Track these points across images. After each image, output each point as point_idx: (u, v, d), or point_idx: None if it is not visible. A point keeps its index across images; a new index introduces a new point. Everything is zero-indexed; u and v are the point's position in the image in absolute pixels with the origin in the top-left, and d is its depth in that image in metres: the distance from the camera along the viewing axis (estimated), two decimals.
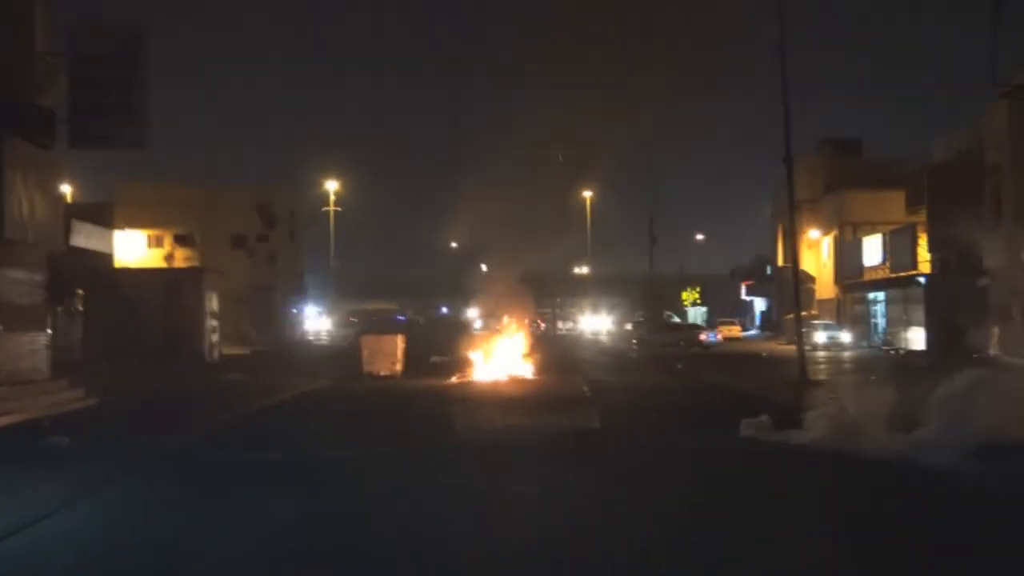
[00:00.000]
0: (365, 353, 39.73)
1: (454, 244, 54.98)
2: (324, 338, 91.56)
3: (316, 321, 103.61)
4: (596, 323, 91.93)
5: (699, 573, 10.43)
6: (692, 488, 14.99)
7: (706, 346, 64.82)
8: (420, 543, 11.60)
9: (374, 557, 11.04)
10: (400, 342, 40.54)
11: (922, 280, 55.36)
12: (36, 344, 26.49)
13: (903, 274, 59.35)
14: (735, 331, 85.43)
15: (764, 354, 55.80)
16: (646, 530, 12.16)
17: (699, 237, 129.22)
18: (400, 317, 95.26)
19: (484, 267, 47.66)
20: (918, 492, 14.49)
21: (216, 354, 47.44)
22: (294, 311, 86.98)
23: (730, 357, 53.06)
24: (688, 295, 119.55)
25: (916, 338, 55.21)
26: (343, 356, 47.89)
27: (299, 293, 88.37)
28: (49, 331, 27.88)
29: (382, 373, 38.75)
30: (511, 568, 10.59)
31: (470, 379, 37.07)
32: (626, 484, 15.53)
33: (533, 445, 19.58)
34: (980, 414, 16.18)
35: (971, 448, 15.28)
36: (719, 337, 72.04)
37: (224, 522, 12.91)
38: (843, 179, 74.73)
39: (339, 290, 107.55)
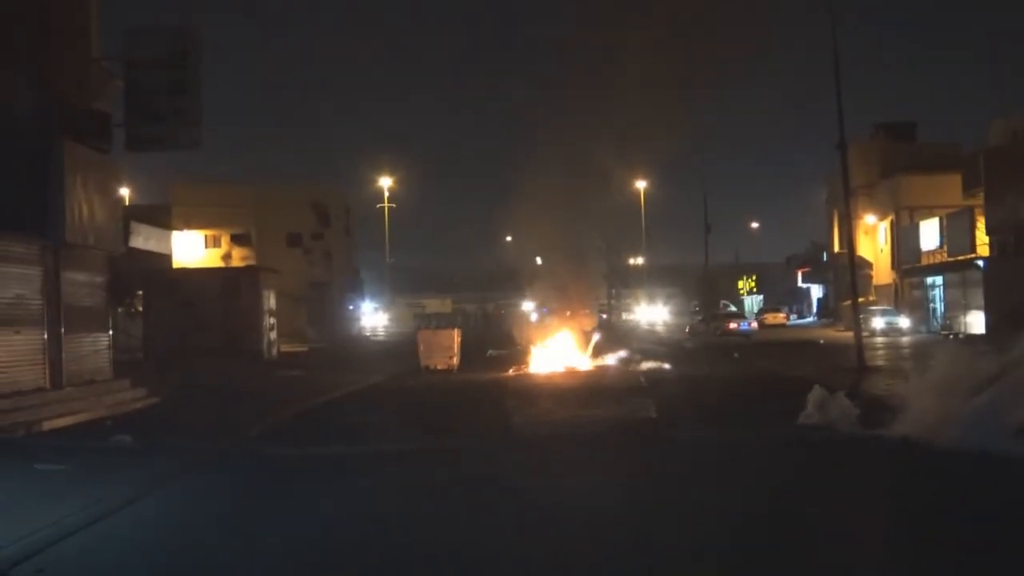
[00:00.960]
0: (421, 347, 39.96)
1: (509, 238, 55.13)
2: (381, 334, 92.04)
3: (373, 317, 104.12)
4: (652, 313, 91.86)
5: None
6: (742, 482, 14.96)
7: (743, 334, 64.47)
8: (474, 536, 11.67)
9: (426, 549, 11.06)
10: (456, 336, 40.75)
11: (980, 263, 54.78)
12: (98, 345, 26.87)
13: (961, 258, 58.74)
14: (779, 318, 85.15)
15: (821, 341, 55.50)
16: (699, 527, 12.06)
17: (754, 225, 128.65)
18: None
19: (539, 260, 47.78)
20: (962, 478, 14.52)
21: (275, 352, 47.86)
22: (350, 307, 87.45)
23: (787, 345, 52.77)
24: (744, 283, 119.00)
25: (975, 322, 54.66)
26: (400, 351, 48.16)
27: (355, 289, 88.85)
28: (111, 332, 28.26)
29: (439, 367, 38.96)
30: (556, 564, 10.51)
31: (527, 371, 37.19)
32: (678, 477, 15.53)
33: (589, 437, 19.62)
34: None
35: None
36: (751, 325, 71.57)
37: (287, 510, 13.17)
38: (898, 164, 74.03)
39: (395, 286, 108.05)
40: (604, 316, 52.23)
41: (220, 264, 70.94)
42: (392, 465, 17.04)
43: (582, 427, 20.78)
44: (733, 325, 67.24)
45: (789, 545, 10.79)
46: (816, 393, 20.48)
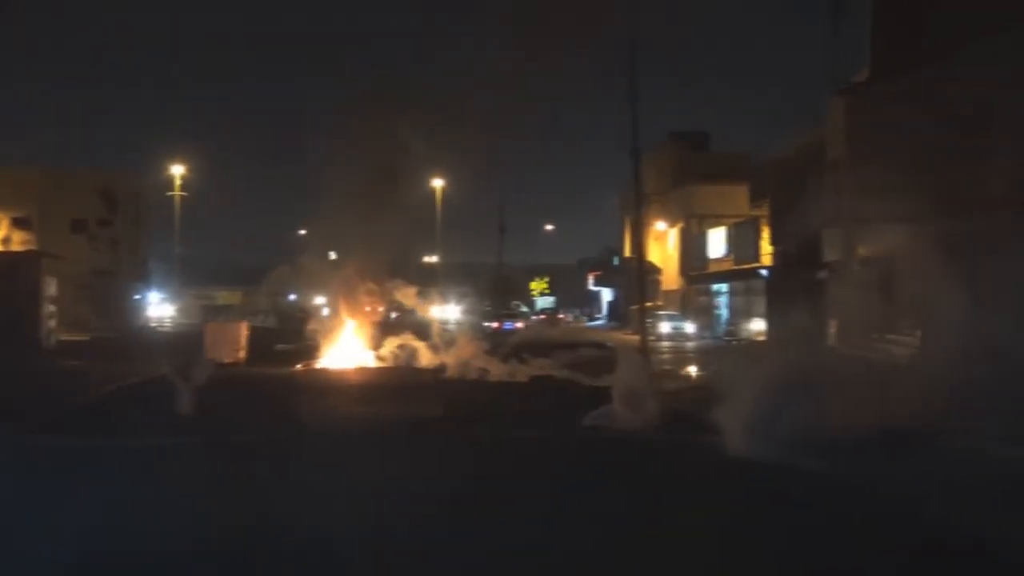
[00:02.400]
0: (208, 340, 39.10)
1: (303, 231, 54.39)
2: (168, 325, 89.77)
3: (160, 307, 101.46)
4: (445, 312, 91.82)
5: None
6: (525, 474, 15.27)
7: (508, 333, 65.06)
8: (248, 534, 11.42)
9: (189, 548, 10.80)
10: (244, 329, 40.05)
11: (764, 272, 56.52)
12: None
13: (746, 266, 60.53)
14: (557, 319, 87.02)
15: (610, 343, 56.37)
16: (481, 518, 12.23)
17: (549, 228, 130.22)
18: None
19: (333, 254, 47.23)
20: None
21: (54, 340, 46.11)
22: (137, 297, 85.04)
23: (576, 346, 53.26)
24: (537, 285, 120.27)
25: (758, 329, 56.38)
26: (187, 343, 46.95)
27: (143, 279, 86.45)
28: None
29: (226, 360, 38.17)
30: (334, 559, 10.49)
31: (316, 367, 36.75)
32: (462, 471, 15.63)
33: (375, 433, 19.48)
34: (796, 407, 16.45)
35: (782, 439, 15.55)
36: (517, 326, 72.17)
37: (36, 507, 12.58)
38: (690, 173, 75.94)
39: (185, 277, 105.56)
40: (395, 315, 51.89)
41: None
42: (165, 459, 16.54)
43: (368, 423, 20.58)
44: (496, 325, 67.67)
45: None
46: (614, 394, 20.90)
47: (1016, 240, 16.83)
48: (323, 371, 35.20)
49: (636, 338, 38.54)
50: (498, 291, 74.62)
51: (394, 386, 28.75)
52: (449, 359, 35.37)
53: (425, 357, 37.11)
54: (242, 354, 38.89)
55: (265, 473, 15.23)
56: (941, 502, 12.46)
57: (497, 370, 32.92)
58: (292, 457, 16.87)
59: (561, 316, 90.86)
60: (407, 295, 41.65)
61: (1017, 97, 18.19)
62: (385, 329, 40.94)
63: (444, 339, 37.72)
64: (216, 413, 22.31)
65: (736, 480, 14.54)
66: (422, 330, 39.83)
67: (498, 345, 37.11)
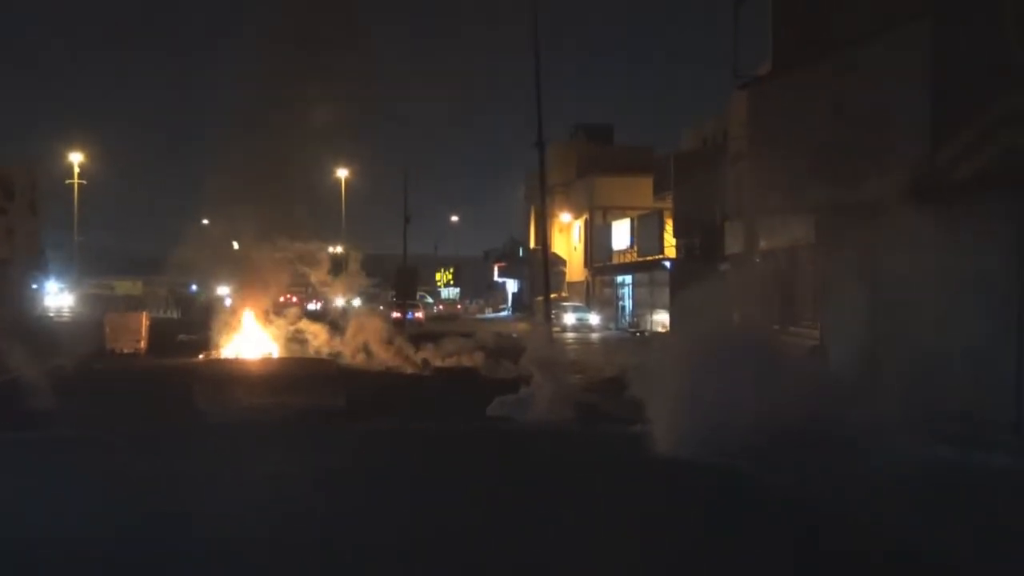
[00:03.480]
0: (108, 330, 38.61)
1: (206, 220, 53.58)
2: (66, 315, 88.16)
3: (58, 297, 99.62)
4: (345, 303, 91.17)
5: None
6: (426, 465, 15.45)
7: (410, 323, 65.06)
8: (146, 528, 11.30)
9: (90, 543, 10.62)
10: (144, 319, 39.59)
11: (667, 264, 56.92)
12: None
13: (650, 258, 60.91)
14: (454, 309, 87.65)
15: (514, 335, 56.49)
16: (381, 510, 12.30)
17: (454, 218, 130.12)
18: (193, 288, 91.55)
19: (236, 244, 46.65)
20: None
21: None
22: (33, 287, 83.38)
23: (479, 337, 53.33)
24: (442, 275, 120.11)
25: (661, 320, 56.80)
26: (86, 333, 46.11)
27: (39, 268, 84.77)
28: None
29: (126, 351, 37.67)
30: (231, 552, 10.39)
31: (219, 357, 36.31)
32: (366, 463, 15.68)
33: (277, 424, 19.31)
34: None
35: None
36: (416, 315, 71.94)
37: None
38: (595, 164, 76.21)
39: (84, 266, 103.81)
40: (317, 303, 51.54)
41: None
42: (61, 452, 16.29)
43: (271, 415, 20.38)
44: (397, 315, 67.46)
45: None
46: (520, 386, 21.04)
47: (913, 233, 17.10)
48: (225, 361, 34.78)
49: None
50: (403, 281, 74.14)
51: (297, 376, 28.50)
52: (346, 347, 35.48)
53: (322, 342, 37.10)
54: (143, 344, 38.37)
55: (162, 466, 15.02)
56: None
57: (385, 355, 33.56)
58: (189, 450, 16.65)
59: (459, 307, 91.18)
60: (320, 275, 41.42)
61: (912, 92, 18.48)
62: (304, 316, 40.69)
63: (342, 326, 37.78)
64: (110, 405, 22.04)
65: (662, 479, 14.44)
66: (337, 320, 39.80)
67: (396, 334, 37.20)
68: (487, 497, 13.03)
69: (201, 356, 36.45)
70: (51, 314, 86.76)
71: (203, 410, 20.93)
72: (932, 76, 17.90)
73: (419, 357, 33.65)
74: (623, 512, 12.10)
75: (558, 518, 11.78)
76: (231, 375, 28.96)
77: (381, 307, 65.61)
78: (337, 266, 44.44)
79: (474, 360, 32.89)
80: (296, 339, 37.87)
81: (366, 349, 35.26)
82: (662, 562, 10.17)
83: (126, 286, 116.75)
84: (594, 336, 57.56)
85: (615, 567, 9.98)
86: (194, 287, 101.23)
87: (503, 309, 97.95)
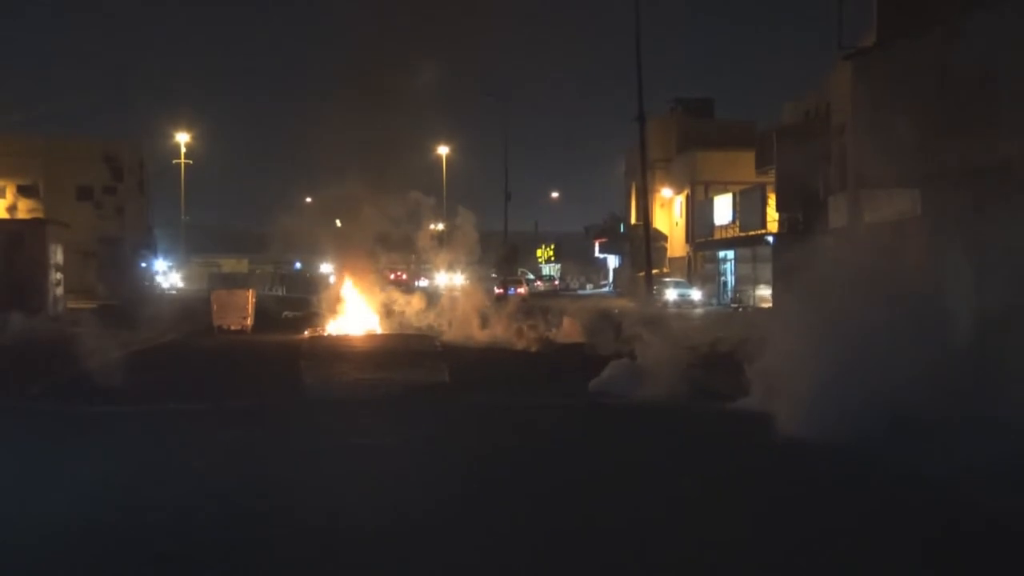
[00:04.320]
0: (215, 307, 39.24)
1: (309, 199, 54.21)
2: (174, 292, 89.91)
3: (166, 275, 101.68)
4: (450, 280, 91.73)
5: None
6: (531, 439, 15.42)
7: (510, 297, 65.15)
8: (263, 498, 11.49)
9: (211, 514, 10.81)
10: (250, 296, 40.13)
11: (770, 239, 56.43)
12: None
13: (752, 233, 60.44)
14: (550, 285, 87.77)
15: (616, 311, 56.39)
16: (495, 479, 12.41)
17: (555, 195, 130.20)
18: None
19: (339, 222, 47.10)
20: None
21: (61, 308, 46.18)
22: (143, 265, 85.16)
23: (581, 313, 53.35)
24: (543, 252, 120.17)
25: (764, 296, 56.34)
26: (194, 311, 47.02)
27: (148, 246, 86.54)
28: None
29: (232, 328, 38.31)
30: (341, 523, 10.52)
31: (323, 334, 36.75)
32: (470, 435, 15.83)
33: (382, 399, 19.57)
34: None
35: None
36: (519, 291, 71.95)
37: (55, 471, 12.71)
38: (696, 139, 75.78)
39: (191, 244, 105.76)
40: (404, 278, 51.98)
41: (5, 216, 68.09)
42: (177, 425, 16.64)
43: (376, 389, 20.64)
44: (500, 290, 67.61)
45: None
46: (612, 363, 20.98)
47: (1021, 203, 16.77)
48: (330, 338, 35.21)
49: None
50: (504, 258, 74.52)
51: (400, 352, 28.80)
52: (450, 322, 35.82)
53: (426, 318, 37.45)
54: (249, 321, 38.99)
55: (266, 438, 15.35)
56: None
57: (488, 331, 34.33)
58: (301, 423, 16.98)
59: (556, 283, 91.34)
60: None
61: (1020, 59, 18.12)
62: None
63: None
64: (221, 380, 22.50)
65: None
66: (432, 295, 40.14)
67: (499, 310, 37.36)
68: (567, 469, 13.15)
69: (306, 333, 36.91)
70: (160, 291, 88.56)
71: (308, 385, 21.27)
72: None
73: (520, 333, 33.74)
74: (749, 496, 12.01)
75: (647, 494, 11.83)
76: (335, 351, 29.33)
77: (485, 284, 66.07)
78: (440, 240, 44.61)
79: (576, 335, 32.90)
80: (401, 315, 38.18)
81: (469, 324, 35.50)
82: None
83: (232, 264, 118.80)
84: (696, 312, 57.22)
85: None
86: (298, 265, 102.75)
87: (604, 285, 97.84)
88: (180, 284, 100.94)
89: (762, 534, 10.12)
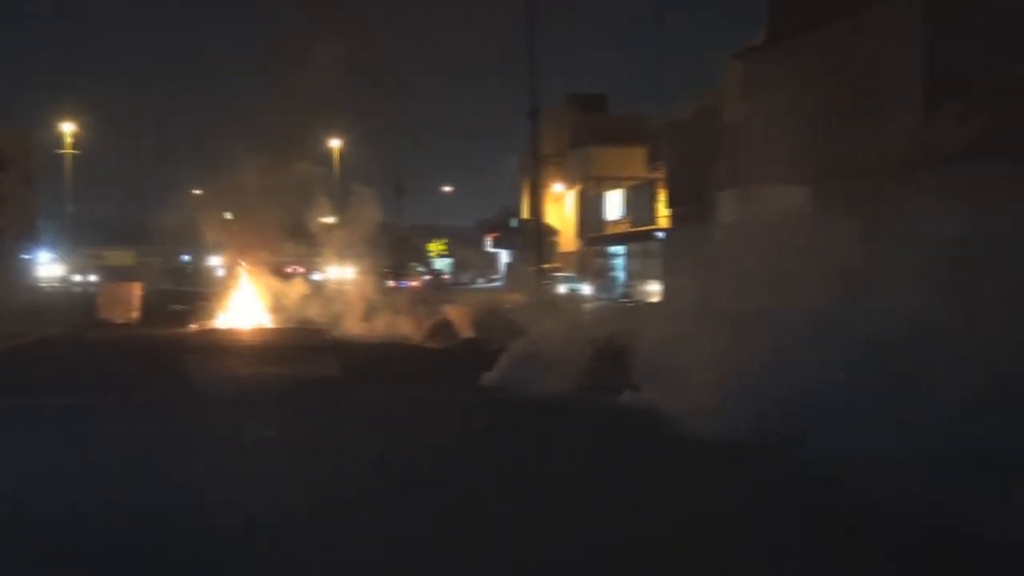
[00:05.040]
0: (101, 300, 38.66)
1: (198, 191, 53.46)
2: (59, 285, 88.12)
3: (50, 268, 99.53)
4: (341, 273, 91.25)
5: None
6: (420, 433, 15.48)
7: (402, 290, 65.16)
8: (150, 493, 11.32)
9: (93, 509, 10.64)
10: (137, 289, 39.60)
11: (660, 235, 56.92)
12: None
13: (643, 229, 60.94)
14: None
15: (507, 305, 56.42)
16: (380, 467, 12.54)
17: (447, 189, 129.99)
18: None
19: (228, 215, 46.57)
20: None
21: None
22: (25, 257, 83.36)
23: (474, 307, 53.30)
24: (435, 246, 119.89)
25: (653, 290, 56.79)
26: (79, 303, 46.16)
27: (32, 239, 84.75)
28: None
29: (119, 321, 37.71)
30: (234, 514, 10.46)
31: (212, 327, 36.34)
32: (362, 426, 15.98)
33: (270, 394, 19.38)
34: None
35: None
36: (411, 284, 71.58)
37: None
38: (588, 135, 76.05)
39: (76, 236, 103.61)
40: (295, 271, 51.42)
41: None
42: (62, 419, 16.36)
43: (266, 384, 20.45)
44: (393, 283, 67.47)
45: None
46: (504, 357, 20.97)
47: (906, 201, 17.08)
48: (219, 332, 34.81)
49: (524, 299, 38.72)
50: (395, 252, 74.33)
51: (291, 346, 28.59)
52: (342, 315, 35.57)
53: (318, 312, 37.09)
54: (135, 315, 38.41)
55: (151, 432, 15.10)
56: None
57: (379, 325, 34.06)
58: (188, 418, 16.74)
59: (446, 276, 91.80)
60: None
61: (908, 62, 18.50)
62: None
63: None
64: (103, 374, 22.15)
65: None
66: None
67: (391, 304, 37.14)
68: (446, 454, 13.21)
69: (194, 326, 36.47)
70: (44, 284, 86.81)
71: (195, 379, 20.97)
72: (926, 46, 17.93)
73: (413, 326, 33.60)
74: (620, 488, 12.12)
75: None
76: (224, 345, 29.04)
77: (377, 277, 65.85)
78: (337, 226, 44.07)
79: (469, 329, 32.84)
80: (291, 308, 37.86)
81: (361, 318, 35.28)
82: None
83: (118, 256, 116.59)
84: (586, 306, 57.53)
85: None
86: (186, 257, 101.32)
87: (496, 279, 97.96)
88: (68, 277, 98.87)
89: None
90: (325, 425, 16.08)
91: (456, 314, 34.25)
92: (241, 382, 20.94)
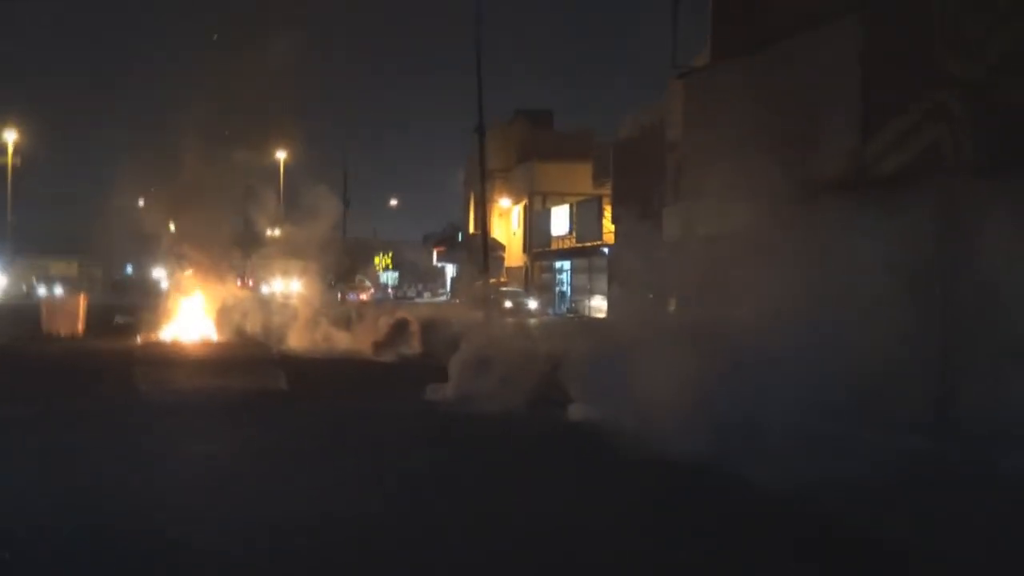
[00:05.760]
0: (44, 312, 38.48)
1: (142, 201, 53.21)
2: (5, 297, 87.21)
3: None
4: (287, 286, 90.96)
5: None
6: (367, 444, 15.81)
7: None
8: (90, 507, 11.41)
9: (31, 524, 10.64)
10: (82, 301, 39.44)
11: (606, 250, 57.37)
12: None
13: (588, 244, 61.37)
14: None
15: (453, 319, 56.60)
16: (322, 483, 12.73)
17: (393, 202, 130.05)
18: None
19: (172, 225, 46.40)
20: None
21: None
22: None
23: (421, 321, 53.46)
24: (380, 260, 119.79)
25: (599, 306, 57.24)
26: (19, 315, 45.80)
27: None
28: None
29: (62, 333, 37.56)
30: (179, 528, 10.55)
31: (157, 340, 36.26)
32: (309, 440, 16.07)
33: (219, 406, 19.54)
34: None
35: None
36: (361, 297, 71.75)
37: None
38: (535, 150, 76.46)
39: (17, 246, 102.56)
40: (242, 284, 51.23)
41: None
42: (5, 429, 16.37)
43: (212, 397, 20.59)
44: (341, 296, 67.67)
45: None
46: (452, 368, 21.24)
47: (842, 223, 17.56)
48: (165, 344, 34.78)
49: (480, 313, 38.96)
50: (342, 265, 74.33)
51: (238, 359, 28.66)
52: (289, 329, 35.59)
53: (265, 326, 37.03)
54: (80, 327, 38.29)
55: (96, 443, 15.21)
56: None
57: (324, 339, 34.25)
58: (126, 428, 16.83)
59: (391, 290, 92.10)
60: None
61: (843, 86, 19.01)
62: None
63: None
64: (47, 385, 22.18)
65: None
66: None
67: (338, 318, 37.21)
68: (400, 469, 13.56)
69: (139, 338, 36.37)
70: None
71: (142, 392, 21.08)
72: (861, 71, 18.44)
73: (361, 340, 33.72)
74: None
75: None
76: (170, 358, 29.06)
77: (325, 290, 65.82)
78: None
79: (413, 345, 33.02)
80: (238, 321, 37.81)
81: (308, 331, 35.30)
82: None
83: (61, 267, 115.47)
84: (532, 321, 57.89)
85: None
86: (129, 269, 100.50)
87: (442, 293, 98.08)
88: (4, 287, 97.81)
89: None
90: (263, 439, 16.16)
91: (405, 328, 34.41)
92: (184, 395, 21.03)
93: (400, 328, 33.50)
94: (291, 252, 41.44)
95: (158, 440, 15.80)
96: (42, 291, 45.28)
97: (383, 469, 13.79)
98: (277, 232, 47.25)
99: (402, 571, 9.47)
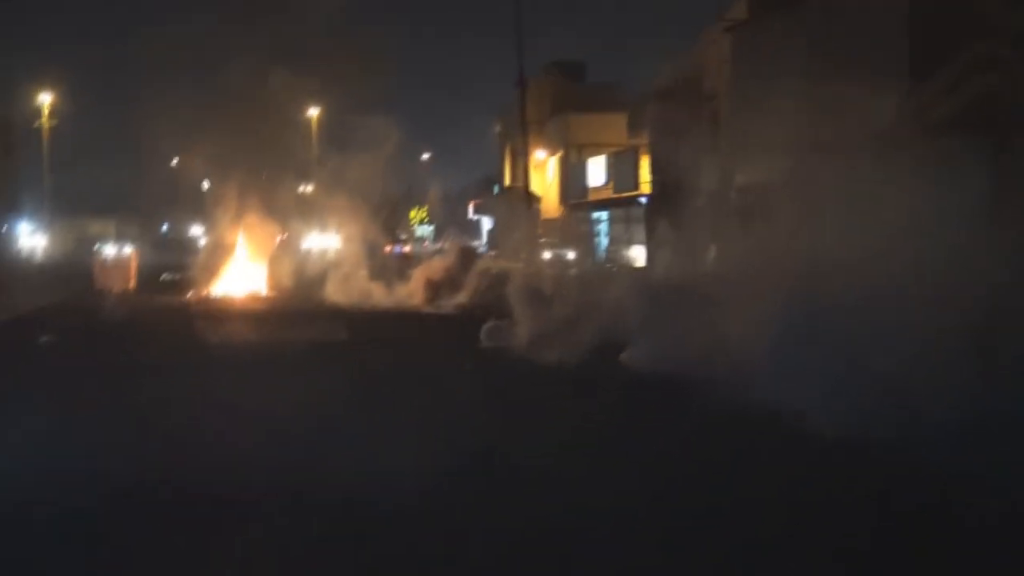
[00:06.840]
0: (97, 270, 39.24)
1: (176, 160, 53.44)
2: (42, 256, 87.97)
3: (31, 239, 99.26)
4: (325, 241, 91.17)
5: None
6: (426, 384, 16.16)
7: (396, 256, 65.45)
8: (169, 451, 11.69)
9: (115, 466, 10.86)
10: (133, 259, 40.18)
11: (643, 200, 57.50)
12: None
13: (625, 195, 61.51)
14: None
15: (494, 271, 56.86)
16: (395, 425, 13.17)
17: (425, 156, 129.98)
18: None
19: (207, 183, 46.64)
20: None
21: None
22: (4, 228, 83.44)
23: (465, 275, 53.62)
24: (416, 214, 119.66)
25: (637, 255, 57.45)
26: (67, 273, 46.27)
27: (11, 210, 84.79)
28: None
29: (115, 290, 38.27)
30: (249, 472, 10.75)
31: (208, 296, 36.87)
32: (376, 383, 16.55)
33: (286, 356, 19.99)
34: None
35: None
36: (404, 250, 72.12)
37: None
38: (569, 102, 76.43)
39: (58, 206, 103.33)
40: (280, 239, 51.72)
41: None
42: (82, 381, 16.74)
43: (280, 347, 21.08)
44: (388, 248, 68.04)
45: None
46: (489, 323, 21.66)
47: (888, 174, 17.71)
48: (221, 300, 35.37)
49: (517, 265, 39.23)
50: (384, 218, 74.74)
51: (296, 313, 29.10)
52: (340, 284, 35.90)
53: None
54: (132, 283, 39.08)
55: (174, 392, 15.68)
56: None
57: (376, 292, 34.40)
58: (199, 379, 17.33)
59: (427, 244, 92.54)
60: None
61: (891, 35, 19.22)
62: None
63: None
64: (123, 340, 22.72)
65: None
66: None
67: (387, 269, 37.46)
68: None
69: (190, 295, 36.97)
70: (26, 255, 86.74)
71: (212, 344, 21.63)
72: (910, 21, 18.68)
73: (413, 293, 34.00)
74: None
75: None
76: (231, 312, 29.64)
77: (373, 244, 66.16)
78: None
79: (464, 296, 33.23)
80: (285, 277, 38.28)
81: (360, 285, 35.53)
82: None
83: (99, 227, 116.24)
84: (571, 271, 58.17)
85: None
86: (165, 227, 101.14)
87: (479, 246, 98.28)
88: (47, 247, 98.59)
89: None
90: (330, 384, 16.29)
91: (471, 261, 34.66)
92: (256, 347, 21.53)
93: (466, 261, 33.67)
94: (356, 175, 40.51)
95: (223, 389, 16.05)
96: (109, 250, 45.49)
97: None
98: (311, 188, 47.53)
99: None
